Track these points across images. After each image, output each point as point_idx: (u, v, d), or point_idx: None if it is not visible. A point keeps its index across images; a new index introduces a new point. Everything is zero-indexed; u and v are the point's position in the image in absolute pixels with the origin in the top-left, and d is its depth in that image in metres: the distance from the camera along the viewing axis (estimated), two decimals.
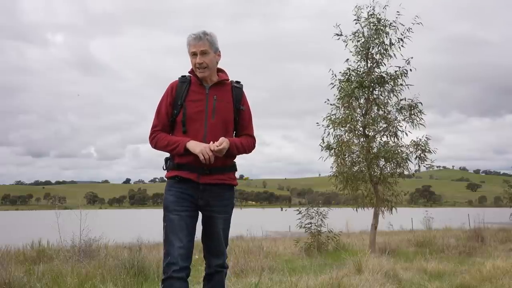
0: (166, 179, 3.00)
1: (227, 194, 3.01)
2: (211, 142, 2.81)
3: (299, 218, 10.29)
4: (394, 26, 9.53)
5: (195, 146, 2.80)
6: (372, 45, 9.54)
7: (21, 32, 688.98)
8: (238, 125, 3.06)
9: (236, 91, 3.05)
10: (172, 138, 2.92)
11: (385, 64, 9.67)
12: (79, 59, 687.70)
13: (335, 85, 9.80)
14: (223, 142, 2.80)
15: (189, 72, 3.05)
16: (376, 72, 9.67)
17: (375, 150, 9.55)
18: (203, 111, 2.92)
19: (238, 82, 3.10)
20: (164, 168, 3.02)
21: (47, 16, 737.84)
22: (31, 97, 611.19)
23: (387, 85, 9.59)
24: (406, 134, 9.59)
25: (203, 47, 2.92)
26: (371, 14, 9.60)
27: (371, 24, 9.58)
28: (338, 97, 9.70)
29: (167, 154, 3.02)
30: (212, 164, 2.86)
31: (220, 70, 3.08)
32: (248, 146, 3.06)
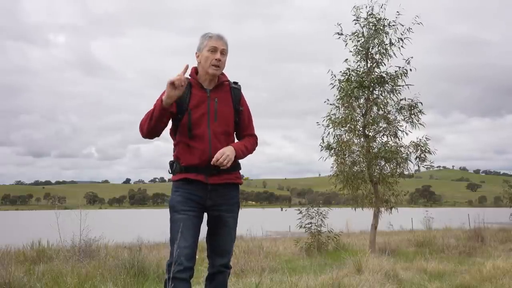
0: (172, 181, 2.97)
1: (233, 193, 3.02)
2: (217, 156, 2.79)
3: (299, 218, 10.29)
4: (393, 25, 9.53)
5: (166, 90, 2.73)
6: (371, 45, 9.53)
7: (23, 32, 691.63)
8: (239, 126, 3.06)
9: (234, 92, 3.04)
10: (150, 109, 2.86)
11: (385, 64, 9.68)
12: (81, 59, 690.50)
13: (335, 85, 9.79)
14: (225, 156, 2.79)
15: (190, 75, 3.01)
16: (376, 72, 9.66)
17: (375, 150, 9.55)
18: (205, 114, 2.91)
19: (236, 83, 3.08)
20: (170, 171, 2.99)
21: (49, 17, 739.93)
22: (32, 97, 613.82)
23: (387, 85, 9.58)
24: (406, 134, 9.59)
25: (224, 47, 2.94)
26: (370, 14, 9.60)
27: (370, 24, 9.57)
28: (338, 97, 9.69)
29: (171, 157, 3.01)
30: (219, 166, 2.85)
31: None
32: (252, 147, 3.09)
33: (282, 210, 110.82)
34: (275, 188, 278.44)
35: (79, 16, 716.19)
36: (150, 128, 2.85)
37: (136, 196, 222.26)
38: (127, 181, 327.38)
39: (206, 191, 2.90)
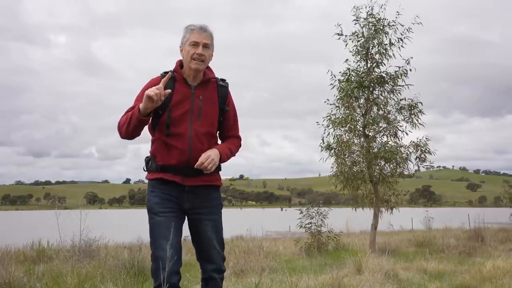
0: (148, 180, 2.87)
1: (213, 195, 2.88)
2: (202, 159, 2.69)
3: (299, 218, 10.29)
4: (393, 25, 9.52)
5: (143, 101, 2.59)
6: (371, 45, 9.52)
7: (24, 33, 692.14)
8: (223, 126, 2.93)
9: (221, 91, 2.89)
10: (130, 112, 2.71)
11: (385, 64, 9.67)
12: (81, 59, 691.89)
13: (335, 86, 9.79)
14: (210, 160, 2.70)
15: (174, 70, 2.85)
16: (376, 72, 9.66)
17: (375, 150, 9.54)
18: (188, 112, 2.77)
19: (223, 80, 2.93)
20: (145, 169, 2.88)
21: (50, 17, 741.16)
22: (33, 97, 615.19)
23: (387, 85, 9.57)
24: (406, 134, 9.58)
25: (207, 40, 2.78)
26: (369, 14, 9.59)
27: (370, 24, 9.56)
28: (338, 97, 9.69)
29: (147, 153, 2.90)
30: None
31: (206, 68, 2.90)
32: (236, 150, 2.98)
33: (282, 210, 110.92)
34: (275, 188, 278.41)
35: (80, 16, 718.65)
36: (128, 133, 2.73)
37: (136, 196, 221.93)
38: (127, 181, 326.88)
39: (183, 192, 2.77)
